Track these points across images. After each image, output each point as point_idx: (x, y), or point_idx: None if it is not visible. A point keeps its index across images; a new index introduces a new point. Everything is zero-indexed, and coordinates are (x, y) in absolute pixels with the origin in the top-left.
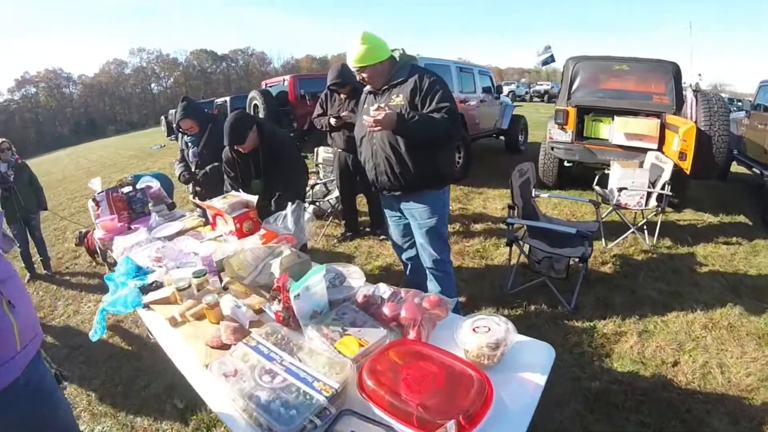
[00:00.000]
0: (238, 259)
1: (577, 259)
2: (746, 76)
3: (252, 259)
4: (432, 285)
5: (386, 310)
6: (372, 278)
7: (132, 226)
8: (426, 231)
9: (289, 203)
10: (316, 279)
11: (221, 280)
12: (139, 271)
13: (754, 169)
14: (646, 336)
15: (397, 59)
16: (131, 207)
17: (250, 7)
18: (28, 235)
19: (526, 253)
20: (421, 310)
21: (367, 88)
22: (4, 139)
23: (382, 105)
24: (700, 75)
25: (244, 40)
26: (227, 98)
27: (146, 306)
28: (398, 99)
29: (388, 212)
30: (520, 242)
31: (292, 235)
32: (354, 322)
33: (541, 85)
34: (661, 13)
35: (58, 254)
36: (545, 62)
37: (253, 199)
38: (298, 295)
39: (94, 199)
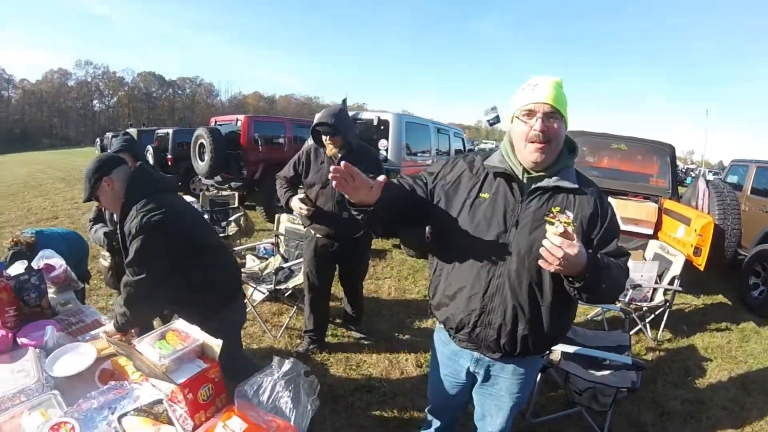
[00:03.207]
0: None
1: (624, 390)
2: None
3: None
4: None
5: None
6: (353, 398)
7: (19, 340)
8: (510, 408)
9: (276, 361)
10: None
11: None
12: None
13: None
14: None
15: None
16: (22, 299)
17: (205, 35)
18: None
19: (561, 381)
20: None
21: (495, 160)
22: None
23: (571, 216)
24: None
25: (194, 68)
26: (170, 130)
27: None
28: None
29: (447, 366)
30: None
31: (292, 425)
32: None
33: (486, 143)
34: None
35: None
36: (492, 123)
37: (215, 343)
38: None
39: None
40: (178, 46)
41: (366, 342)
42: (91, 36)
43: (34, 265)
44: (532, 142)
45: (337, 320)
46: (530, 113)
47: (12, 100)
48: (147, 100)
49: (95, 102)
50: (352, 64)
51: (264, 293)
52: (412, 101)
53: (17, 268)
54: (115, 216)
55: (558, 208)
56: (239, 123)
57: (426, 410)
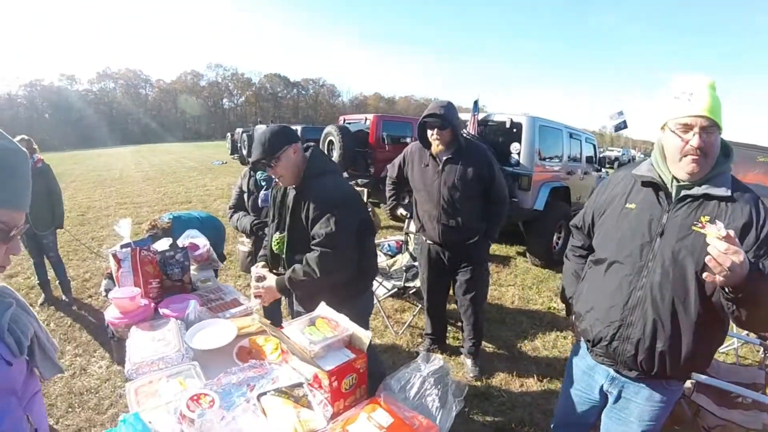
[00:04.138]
0: None
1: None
2: None
3: None
4: None
5: None
6: (471, 405)
7: (161, 310)
8: None
9: (422, 356)
10: None
11: None
12: None
13: None
14: None
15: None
16: (165, 273)
17: (328, 39)
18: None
19: (691, 414)
20: None
21: (643, 169)
22: (23, 136)
23: (721, 226)
24: None
25: (317, 70)
26: (299, 127)
27: None
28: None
29: (581, 381)
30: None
31: (436, 425)
32: None
33: (612, 151)
34: None
35: (86, 273)
36: (618, 128)
37: (364, 335)
38: None
39: (114, 256)
40: (303, 50)
41: (487, 349)
42: (222, 41)
43: (180, 243)
44: (688, 155)
45: (459, 323)
46: (686, 127)
47: (149, 98)
48: (273, 100)
49: (224, 100)
50: (471, 64)
51: (389, 289)
52: (533, 103)
53: (163, 244)
54: (259, 200)
55: (707, 217)
56: (368, 122)
57: (552, 426)
